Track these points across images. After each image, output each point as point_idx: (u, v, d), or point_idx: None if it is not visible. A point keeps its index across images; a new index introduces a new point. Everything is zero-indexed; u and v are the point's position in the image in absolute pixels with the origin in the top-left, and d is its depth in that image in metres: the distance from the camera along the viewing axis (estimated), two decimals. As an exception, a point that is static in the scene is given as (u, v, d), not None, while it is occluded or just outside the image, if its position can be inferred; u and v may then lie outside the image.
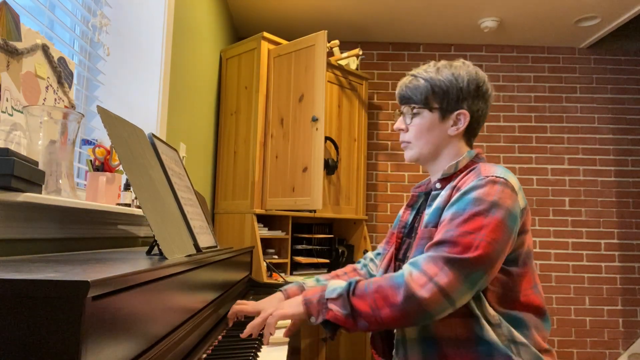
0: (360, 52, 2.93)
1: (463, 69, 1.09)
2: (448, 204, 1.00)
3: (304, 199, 2.27)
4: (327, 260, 2.75)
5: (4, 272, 0.51)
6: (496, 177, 0.98)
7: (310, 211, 2.46)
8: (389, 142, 3.32)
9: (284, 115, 2.41)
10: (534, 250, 3.18)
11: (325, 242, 2.84)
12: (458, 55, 3.37)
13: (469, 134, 1.12)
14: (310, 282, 1.25)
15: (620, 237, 3.21)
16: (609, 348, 3.12)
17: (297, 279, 2.27)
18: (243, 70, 2.56)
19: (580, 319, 3.14)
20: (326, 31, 2.30)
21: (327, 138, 2.68)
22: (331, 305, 0.94)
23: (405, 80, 1.14)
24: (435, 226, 1.01)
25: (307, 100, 2.32)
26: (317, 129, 2.26)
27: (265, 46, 2.48)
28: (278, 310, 0.98)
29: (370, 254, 1.37)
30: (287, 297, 1.18)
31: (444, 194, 1.04)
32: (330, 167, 2.64)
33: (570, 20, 2.94)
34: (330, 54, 2.83)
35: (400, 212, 1.24)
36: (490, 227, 0.92)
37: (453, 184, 1.04)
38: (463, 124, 1.09)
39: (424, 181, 1.21)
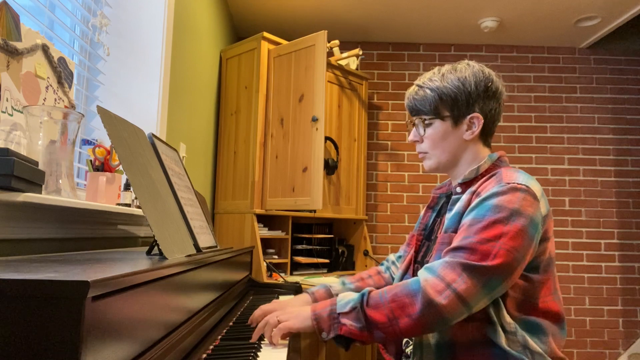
0: (360, 52, 2.93)
1: (468, 70, 1.07)
2: (467, 210, 0.99)
3: (304, 199, 2.27)
4: (327, 261, 2.75)
5: (4, 272, 0.51)
6: (518, 184, 0.96)
7: (310, 211, 2.46)
8: (389, 142, 3.32)
9: (284, 115, 2.41)
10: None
11: (325, 242, 2.84)
12: (458, 56, 3.37)
13: (486, 135, 1.10)
14: (337, 286, 1.23)
15: (620, 237, 3.21)
16: (609, 348, 3.12)
17: (297, 279, 2.27)
18: (243, 70, 2.56)
19: (580, 319, 3.15)
20: (326, 31, 2.30)
21: (327, 138, 2.68)
22: (344, 320, 0.91)
23: (411, 91, 1.12)
24: (455, 231, 0.99)
25: (307, 100, 2.32)
26: (317, 129, 2.26)
27: (265, 46, 2.48)
28: (285, 321, 0.95)
29: (392, 257, 1.35)
30: (315, 300, 1.17)
31: (464, 198, 1.03)
32: (330, 167, 2.64)
33: (570, 20, 2.94)
34: (330, 54, 2.83)
35: (422, 213, 1.22)
36: (510, 235, 0.90)
37: (473, 188, 1.03)
38: (477, 127, 1.06)
39: (444, 182, 1.20)
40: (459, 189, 1.08)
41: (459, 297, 0.87)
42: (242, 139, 2.51)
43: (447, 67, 1.10)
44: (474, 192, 1.02)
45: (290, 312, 0.98)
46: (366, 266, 2.88)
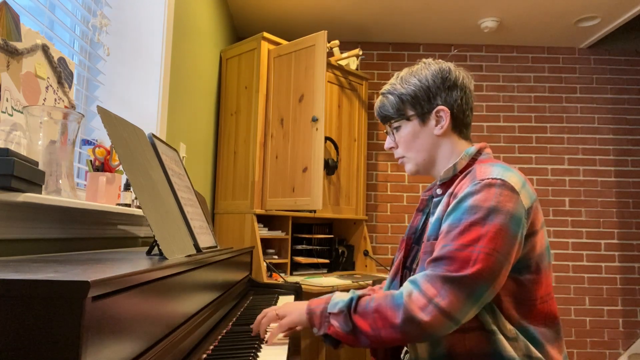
0: (360, 52, 2.93)
1: (425, 68, 1.08)
2: (445, 214, 0.96)
3: (304, 199, 2.27)
4: (327, 261, 2.75)
5: (4, 272, 0.51)
6: (492, 179, 0.91)
7: (310, 211, 2.46)
8: (389, 142, 3.32)
9: (284, 115, 2.41)
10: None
11: (325, 242, 2.84)
12: (458, 56, 3.37)
13: (459, 127, 1.08)
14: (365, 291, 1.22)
15: (620, 237, 3.21)
16: (609, 348, 3.12)
17: (297, 279, 2.27)
18: (243, 70, 2.56)
19: (580, 319, 3.14)
20: (326, 31, 2.30)
21: (327, 138, 2.68)
22: (332, 321, 0.92)
23: (377, 102, 1.14)
24: (436, 238, 0.96)
25: (307, 101, 2.32)
26: (317, 129, 2.26)
27: (265, 46, 2.48)
28: (284, 317, 0.97)
29: None
30: None
31: (443, 201, 1.00)
32: (330, 167, 2.64)
33: (570, 20, 2.94)
34: (330, 54, 2.83)
35: (413, 217, 1.20)
36: (489, 236, 0.86)
37: (451, 190, 1.00)
38: (445, 119, 1.05)
39: (432, 184, 1.17)
40: (439, 190, 1.05)
41: (442, 312, 0.84)
42: (242, 139, 2.51)
43: (405, 70, 1.12)
44: (452, 193, 0.99)
45: (287, 306, 1.00)
46: (366, 266, 2.88)
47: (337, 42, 2.86)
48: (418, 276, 0.90)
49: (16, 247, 0.92)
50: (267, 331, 1.02)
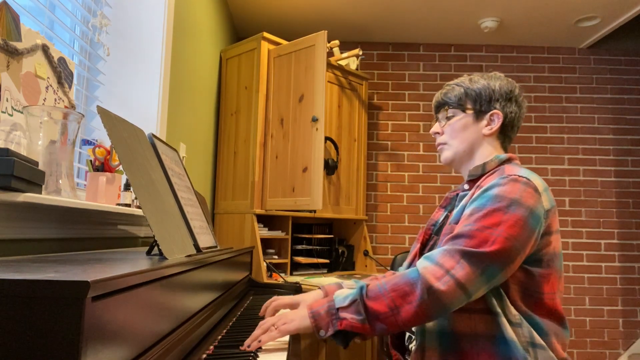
0: (360, 52, 2.93)
1: (495, 78, 1.15)
2: (470, 201, 1.01)
3: (304, 199, 2.27)
4: (327, 261, 2.75)
5: (4, 272, 0.51)
6: (519, 176, 0.99)
7: (310, 211, 2.46)
8: (389, 142, 3.32)
9: (284, 116, 2.41)
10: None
11: (325, 242, 2.84)
12: (458, 56, 3.37)
13: (504, 137, 1.16)
14: (349, 282, 1.24)
15: (620, 237, 3.21)
16: (609, 348, 3.12)
17: (297, 279, 2.27)
18: (243, 70, 2.56)
19: (580, 319, 3.14)
20: (326, 31, 2.30)
21: (327, 138, 2.69)
22: (343, 314, 0.91)
23: (441, 90, 1.21)
24: (458, 222, 1.01)
25: (307, 101, 2.32)
26: (317, 129, 2.26)
27: (265, 46, 2.48)
28: (283, 324, 0.93)
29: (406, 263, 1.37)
30: (326, 295, 1.18)
31: (469, 194, 1.06)
32: (330, 167, 2.64)
33: (570, 20, 2.94)
34: (330, 54, 2.83)
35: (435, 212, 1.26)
36: (509, 223, 0.91)
37: (477, 184, 1.07)
38: (497, 123, 1.12)
39: (460, 186, 1.24)
40: (466, 186, 1.12)
41: (457, 284, 0.87)
42: (242, 139, 2.51)
43: (476, 73, 1.20)
44: (478, 186, 1.05)
45: (287, 316, 0.96)
46: (366, 266, 2.88)
47: (337, 42, 2.86)
48: (433, 252, 0.94)
49: (16, 247, 0.92)
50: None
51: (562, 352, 0.98)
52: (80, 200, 0.96)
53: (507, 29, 3.11)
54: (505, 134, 1.15)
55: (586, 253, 3.20)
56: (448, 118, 1.16)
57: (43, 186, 0.85)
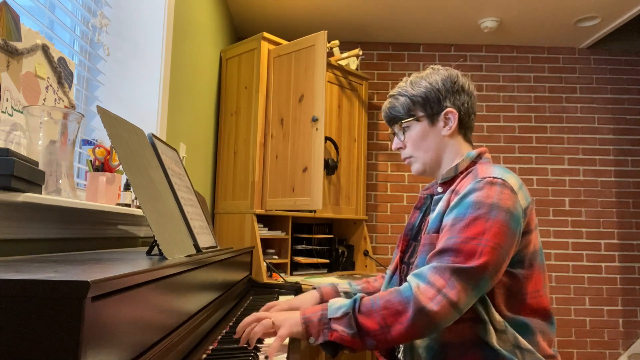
0: (360, 52, 2.93)
1: (434, 73, 1.13)
2: (448, 209, 1.00)
3: (304, 199, 2.27)
4: (327, 261, 2.75)
5: (4, 272, 0.51)
6: (493, 177, 0.97)
7: (310, 211, 2.46)
8: (389, 143, 3.32)
9: (284, 115, 2.41)
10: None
11: (325, 242, 2.84)
12: (458, 56, 3.38)
13: (465, 129, 1.13)
14: (344, 285, 1.24)
15: (620, 237, 3.21)
16: (609, 348, 3.12)
17: (297, 279, 2.27)
18: (243, 70, 2.56)
19: (580, 319, 3.14)
20: (326, 31, 2.30)
21: (327, 138, 2.68)
22: (335, 326, 0.90)
23: (386, 103, 1.18)
24: (437, 232, 1.00)
25: (307, 101, 2.32)
26: (317, 129, 2.26)
27: (265, 46, 2.48)
28: (279, 330, 0.91)
29: None
30: (321, 295, 1.19)
31: (444, 198, 1.04)
32: (330, 167, 2.64)
33: (570, 20, 2.94)
34: (330, 54, 2.83)
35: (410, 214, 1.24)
36: (493, 231, 0.91)
37: (452, 187, 1.04)
38: (454, 121, 1.10)
39: (431, 183, 1.22)
40: (440, 189, 1.10)
41: (450, 303, 0.87)
42: (242, 139, 2.51)
43: (414, 75, 1.16)
44: (453, 190, 1.03)
45: (280, 315, 0.94)
46: (366, 266, 2.88)
47: (337, 42, 2.86)
48: (423, 269, 0.93)
49: (16, 247, 0.92)
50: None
51: (549, 349, 0.99)
52: (80, 200, 0.96)
53: (507, 29, 3.11)
54: (465, 126, 1.13)
55: (586, 253, 3.20)
56: (404, 130, 1.14)
57: (43, 186, 0.85)
